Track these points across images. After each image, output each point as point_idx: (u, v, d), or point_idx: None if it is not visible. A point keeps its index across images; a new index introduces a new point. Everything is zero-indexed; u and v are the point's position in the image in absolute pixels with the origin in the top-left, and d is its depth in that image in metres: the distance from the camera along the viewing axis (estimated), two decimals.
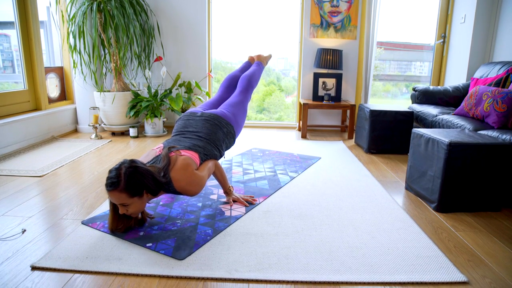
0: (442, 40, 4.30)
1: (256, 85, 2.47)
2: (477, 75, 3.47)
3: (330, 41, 4.28)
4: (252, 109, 4.98)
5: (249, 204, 2.09)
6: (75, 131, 4.17)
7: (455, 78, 4.07)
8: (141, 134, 4.04)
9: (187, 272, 1.42)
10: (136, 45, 3.97)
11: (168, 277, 1.40)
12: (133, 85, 4.19)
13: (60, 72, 4.15)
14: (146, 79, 4.07)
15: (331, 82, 4.26)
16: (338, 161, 3.06)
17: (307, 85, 4.41)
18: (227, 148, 2.15)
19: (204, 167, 1.86)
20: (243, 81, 2.38)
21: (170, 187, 1.74)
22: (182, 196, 2.19)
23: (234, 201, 2.11)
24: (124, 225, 1.73)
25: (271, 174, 2.67)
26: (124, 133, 4.04)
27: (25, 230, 1.75)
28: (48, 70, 3.91)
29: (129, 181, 1.57)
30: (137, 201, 1.64)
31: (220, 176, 2.07)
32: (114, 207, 1.70)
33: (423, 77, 4.72)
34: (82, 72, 3.87)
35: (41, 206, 2.05)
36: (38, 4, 3.55)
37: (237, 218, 1.91)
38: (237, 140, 3.73)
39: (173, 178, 1.70)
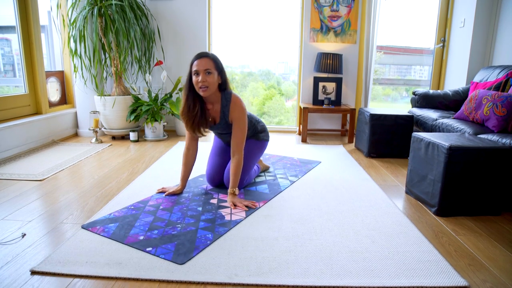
0: (441, 44, 4.31)
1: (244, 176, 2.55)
2: (476, 79, 3.48)
3: (330, 45, 4.30)
4: (253, 113, 4.98)
5: (249, 209, 2.09)
6: (76, 135, 4.17)
7: (454, 82, 4.08)
8: (141, 138, 4.04)
9: (187, 277, 1.41)
10: (137, 49, 3.98)
11: (168, 281, 1.40)
12: (134, 89, 4.20)
13: (61, 76, 4.16)
14: (147, 83, 4.08)
15: (331, 86, 4.27)
16: (338, 165, 3.06)
17: (307, 89, 4.42)
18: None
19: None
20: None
21: (227, 106, 2.19)
22: (182, 200, 2.20)
23: (235, 204, 2.11)
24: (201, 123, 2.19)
25: (271, 178, 2.66)
26: (124, 137, 4.05)
27: (25, 234, 1.75)
28: (49, 74, 3.93)
29: (215, 56, 2.12)
30: (216, 76, 2.09)
31: (236, 168, 2.19)
32: (194, 104, 2.16)
33: (423, 81, 4.72)
34: (83, 76, 3.88)
35: (41, 210, 2.04)
36: (39, 9, 3.57)
37: (237, 222, 1.91)
38: None
39: (232, 101, 2.19)
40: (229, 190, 2.19)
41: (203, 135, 2.27)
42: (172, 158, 3.19)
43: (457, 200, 2.06)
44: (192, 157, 2.34)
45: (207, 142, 3.88)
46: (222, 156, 2.49)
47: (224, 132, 2.34)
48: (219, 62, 2.14)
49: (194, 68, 2.07)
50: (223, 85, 2.19)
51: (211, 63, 2.06)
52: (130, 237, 1.72)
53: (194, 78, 2.08)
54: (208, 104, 2.22)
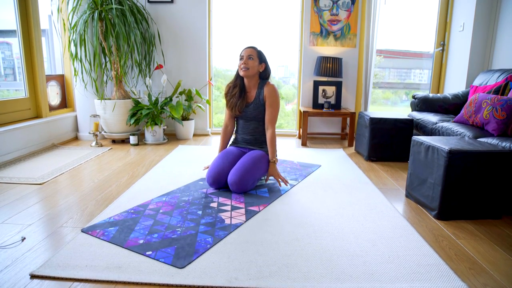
0: (441, 48, 4.32)
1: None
2: (476, 82, 3.49)
3: (330, 49, 4.31)
4: None
5: (282, 184, 2.56)
6: (76, 138, 4.18)
7: (454, 85, 4.09)
8: (141, 141, 4.04)
9: (187, 281, 1.41)
10: (137, 53, 3.99)
11: (168, 285, 1.40)
12: (134, 93, 4.21)
13: (61, 80, 4.17)
14: (147, 87, 4.09)
15: (331, 90, 4.28)
16: (338, 169, 3.06)
17: (307, 93, 4.43)
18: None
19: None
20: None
21: (262, 89, 2.55)
22: (182, 204, 2.20)
23: (274, 177, 2.52)
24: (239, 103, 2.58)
25: (271, 182, 2.66)
26: (124, 141, 4.05)
27: (24, 238, 1.75)
28: (49, 78, 3.93)
29: (260, 50, 2.56)
30: (256, 63, 2.51)
31: (271, 140, 2.54)
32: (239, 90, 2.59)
33: (422, 84, 4.73)
34: (83, 80, 3.89)
35: (41, 214, 2.04)
36: (40, 13, 3.58)
37: (237, 226, 1.91)
38: None
39: (267, 84, 2.56)
40: (271, 160, 2.54)
41: (238, 114, 2.63)
42: (172, 161, 3.19)
43: (457, 204, 2.06)
44: (230, 133, 2.78)
45: (208, 146, 3.88)
46: (228, 158, 2.54)
47: (251, 116, 2.61)
48: (262, 54, 2.57)
49: (241, 55, 2.54)
50: (265, 75, 2.61)
51: (254, 52, 2.52)
52: (130, 241, 1.71)
53: (239, 62, 2.52)
54: (248, 88, 2.61)
